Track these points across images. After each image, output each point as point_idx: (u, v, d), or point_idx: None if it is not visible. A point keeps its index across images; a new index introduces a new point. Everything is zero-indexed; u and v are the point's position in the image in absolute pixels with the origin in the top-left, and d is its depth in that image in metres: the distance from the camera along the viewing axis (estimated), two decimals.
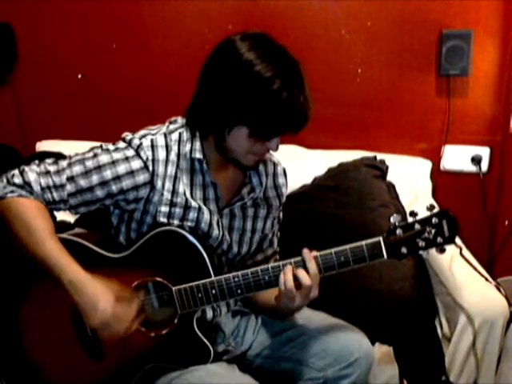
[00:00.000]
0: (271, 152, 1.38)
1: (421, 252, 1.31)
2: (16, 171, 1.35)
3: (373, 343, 1.57)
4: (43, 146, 2.38)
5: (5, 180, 1.34)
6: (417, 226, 1.29)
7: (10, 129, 2.52)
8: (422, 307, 1.83)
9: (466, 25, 2.19)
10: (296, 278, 1.29)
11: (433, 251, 1.31)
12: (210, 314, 1.48)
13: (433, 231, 1.29)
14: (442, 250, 1.31)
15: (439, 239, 1.29)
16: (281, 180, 1.57)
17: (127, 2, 2.39)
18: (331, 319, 1.53)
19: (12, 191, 1.32)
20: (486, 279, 1.77)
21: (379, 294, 1.78)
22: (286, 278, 1.29)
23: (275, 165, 1.56)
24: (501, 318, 1.66)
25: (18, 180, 1.33)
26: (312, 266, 1.29)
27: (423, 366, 1.77)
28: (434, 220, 1.29)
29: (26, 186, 1.33)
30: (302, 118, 1.27)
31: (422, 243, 1.29)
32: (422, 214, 1.31)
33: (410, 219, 1.30)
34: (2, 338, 1.40)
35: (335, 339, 1.45)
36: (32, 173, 1.34)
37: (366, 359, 1.44)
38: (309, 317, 1.53)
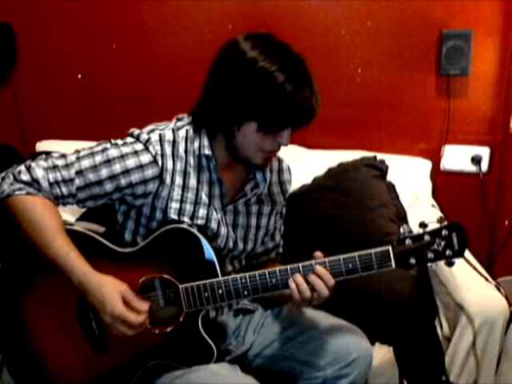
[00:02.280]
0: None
1: (429, 264, 1.30)
2: (23, 167, 1.34)
3: (373, 343, 1.58)
4: (43, 145, 2.38)
5: (11, 176, 1.33)
6: (426, 238, 1.29)
7: (10, 129, 2.52)
8: (422, 307, 1.83)
9: (466, 25, 2.19)
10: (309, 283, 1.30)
11: (441, 264, 1.30)
12: (212, 312, 1.48)
13: (442, 243, 1.28)
14: (450, 264, 1.30)
15: (448, 252, 1.28)
16: (286, 176, 1.57)
17: (127, 2, 2.39)
18: (331, 318, 1.53)
19: (20, 189, 1.32)
20: (486, 279, 1.77)
21: (379, 294, 1.78)
22: (300, 286, 1.29)
23: (280, 161, 1.57)
24: (501, 318, 1.66)
25: (25, 177, 1.33)
26: (322, 271, 1.30)
27: (423, 365, 1.77)
28: (444, 232, 1.28)
29: (34, 183, 1.33)
30: (308, 110, 1.28)
31: (430, 255, 1.29)
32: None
33: (420, 230, 1.29)
34: (7, 329, 1.41)
35: (334, 339, 1.45)
36: (39, 169, 1.33)
37: (364, 359, 1.44)
38: (308, 316, 1.53)
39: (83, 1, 2.37)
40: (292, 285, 1.30)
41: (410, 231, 1.30)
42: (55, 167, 1.34)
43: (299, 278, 1.30)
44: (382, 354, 1.71)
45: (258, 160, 1.36)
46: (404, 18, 2.24)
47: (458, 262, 1.74)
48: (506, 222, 2.36)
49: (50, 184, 1.33)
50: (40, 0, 2.41)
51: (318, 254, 1.32)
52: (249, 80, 1.25)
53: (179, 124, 1.40)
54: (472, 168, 2.33)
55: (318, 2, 2.28)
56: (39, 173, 1.33)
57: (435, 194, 2.30)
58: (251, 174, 1.47)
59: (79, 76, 2.47)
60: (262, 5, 2.29)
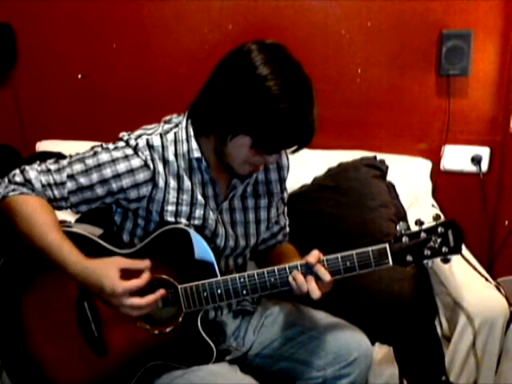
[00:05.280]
0: None
1: (426, 261, 1.31)
2: (17, 171, 1.36)
3: (373, 343, 1.58)
4: (43, 145, 2.38)
5: (6, 180, 1.35)
6: (423, 235, 1.29)
7: (10, 129, 2.52)
8: (422, 307, 1.83)
9: (466, 25, 2.19)
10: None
11: (437, 260, 1.31)
12: (212, 313, 1.48)
13: (438, 240, 1.29)
14: (446, 260, 1.31)
15: (444, 249, 1.29)
16: (284, 161, 1.54)
17: (127, 2, 2.39)
18: (331, 318, 1.53)
19: (13, 190, 1.33)
20: (486, 279, 1.77)
21: (379, 294, 1.78)
22: (299, 283, 1.29)
23: None
24: (501, 318, 1.66)
25: (18, 178, 1.34)
26: (321, 271, 1.29)
27: (423, 365, 1.77)
28: (440, 229, 1.29)
29: (27, 183, 1.34)
30: (307, 137, 1.28)
31: (427, 252, 1.30)
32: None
33: (416, 228, 1.30)
34: (6, 332, 1.41)
35: (335, 338, 1.45)
36: (32, 171, 1.35)
37: (365, 358, 1.44)
38: (309, 316, 1.53)
39: (83, 1, 2.38)
40: (292, 282, 1.31)
41: (407, 229, 1.31)
42: (48, 171, 1.35)
43: (298, 275, 1.30)
44: (381, 353, 1.71)
45: (242, 171, 1.36)
46: (404, 18, 2.24)
47: (458, 261, 1.76)
48: (506, 222, 2.36)
49: (43, 185, 1.34)
50: (40, 0, 2.41)
51: (315, 252, 1.32)
52: (254, 97, 1.22)
53: (167, 127, 1.39)
54: (472, 168, 2.33)
55: (318, 2, 2.28)
56: (32, 174, 1.34)
57: (435, 194, 2.30)
58: None
59: (79, 76, 2.47)
60: (261, 5, 2.29)
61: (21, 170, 1.36)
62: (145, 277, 1.27)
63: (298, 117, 1.23)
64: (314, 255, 1.31)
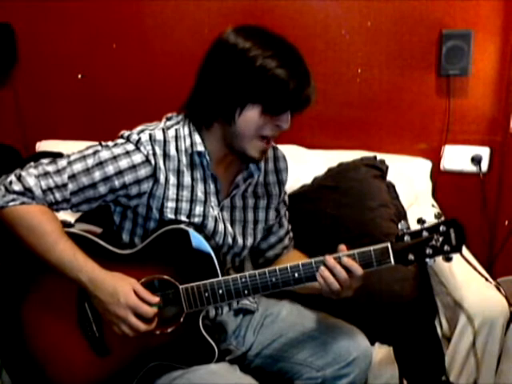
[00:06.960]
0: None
1: (427, 260, 1.30)
2: (13, 177, 1.33)
3: (373, 343, 1.58)
4: (43, 145, 2.38)
5: (3, 188, 1.32)
6: (424, 234, 1.29)
7: (10, 129, 2.52)
8: (422, 307, 1.83)
9: (466, 25, 2.19)
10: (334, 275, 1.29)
11: (439, 259, 1.31)
12: (212, 312, 1.48)
13: (440, 239, 1.28)
14: (448, 259, 1.30)
15: (446, 247, 1.29)
16: (282, 164, 1.55)
17: (127, 2, 2.39)
18: (330, 319, 1.53)
19: (13, 199, 1.31)
20: (486, 279, 1.77)
21: (379, 294, 1.78)
22: (325, 275, 1.29)
23: (274, 148, 1.55)
24: (501, 318, 1.66)
25: (17, 187, 1.31)
26: (349, 262, 1.29)
27: (423, 365, 1.77)
28: (442, 228, 1.28)
29: (27, 192, 1.31)
30: (304, 89, 1.28)
31: (429, 251, 1.29)
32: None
33: (418, 226, 1.30)
34: (7, 333, 1.41)
35: (334, 339, 1.45)
36: (30, 177, 1.32)
37: (364, 359, 1.44)
38: (308, 316, 1.53)
39: (83, 1, 2.38)
40: (320, 279, 1.29)
41: (408, 227, 1.31)
42: (46, 174, 1.33)
43: (326, 271, 1.29)
44: (381, 353, 1.71)
45: (254, 151, 1.34)
46: (404, 18, 2.24)
47: (458, 261, 1.76)
48: (506, 222, 2.36)
49: (43, 191, 1.32)
50: (40, 0, 2.41)
51: (343, 247, 1.32)
52: (241, 68, 1.26)
53: (169, 123, 1.40)
54: (472, 168, 2.33)
55: (318, 2, 2.28)
56: (31, 181, 1.32)
57: (435, 194, 2.30)
58: (244, 165, 1.46)
59: (79, 76, 2.47)
60: (262, 5, 2.29)
61: (17, 176, 1.33)
62: (154, 309, 1.29)
63: (290, 69, 1.26)
64: (343, 250, 1.31)
